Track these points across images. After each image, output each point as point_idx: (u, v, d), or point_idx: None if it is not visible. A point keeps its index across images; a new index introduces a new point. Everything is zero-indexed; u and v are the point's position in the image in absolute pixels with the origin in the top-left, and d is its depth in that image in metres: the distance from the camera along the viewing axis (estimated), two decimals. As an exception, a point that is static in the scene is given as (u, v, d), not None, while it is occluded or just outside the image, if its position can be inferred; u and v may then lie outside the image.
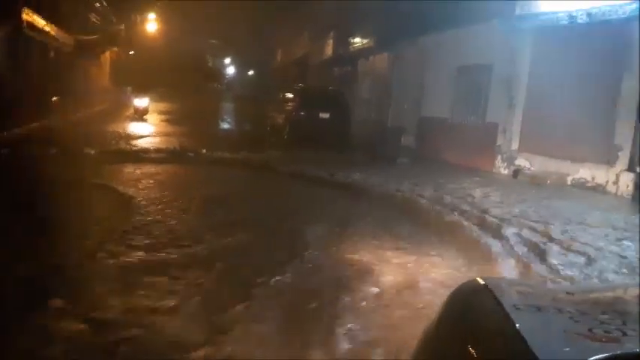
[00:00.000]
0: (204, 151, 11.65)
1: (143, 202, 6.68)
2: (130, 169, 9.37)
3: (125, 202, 6.62)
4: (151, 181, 8.34)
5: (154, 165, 10.00)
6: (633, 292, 1.64)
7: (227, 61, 69.08)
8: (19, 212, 5.57)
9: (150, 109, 21.46)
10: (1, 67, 14.85)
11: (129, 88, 26.44)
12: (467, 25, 11.54)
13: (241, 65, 68.08)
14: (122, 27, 32.13)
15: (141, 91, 22.76)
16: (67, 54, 23.18)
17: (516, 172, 9.53)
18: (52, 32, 19.90)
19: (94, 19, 26.91)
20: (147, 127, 17.27)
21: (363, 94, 18.78)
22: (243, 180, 9.38)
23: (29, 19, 16.70)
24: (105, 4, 27.38)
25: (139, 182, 8.16)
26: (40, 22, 17.97)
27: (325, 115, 15.55)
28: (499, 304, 1.27)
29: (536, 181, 8.85)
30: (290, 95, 18.91)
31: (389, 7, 15.58)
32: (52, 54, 20.68)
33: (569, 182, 8.67)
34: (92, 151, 10.62)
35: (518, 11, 10.04)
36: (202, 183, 8.69)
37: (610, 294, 1.56)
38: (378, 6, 16.67)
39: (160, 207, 6.53)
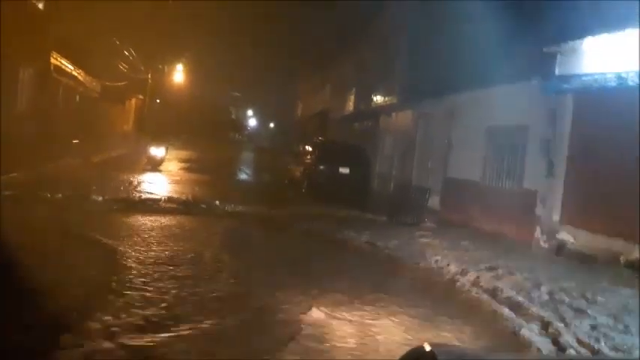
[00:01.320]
0: (217, 203, 10.78)
1: (135, 264, 5.72)
2: (135, 220, 8.50)
3: (116, 264, 5.66)
4: (153, 235, 7.42)
5: (161, 216, 9.12)
6: None
7: (249, 112, 70.01)
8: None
9: (170, 156, 20.83)
10: (25, 106, 14.44)
11: (148, 136, 24.41)
12: (499, 83, 10.79)
13: (262, 117, 68.99)
14: (149, 76, 32.44)
15: (163, 138, 21.58)
16: (93, 98, 23.08)
17: (560, 249, 8.28)
18: (80, 77, 19.79)
19: (123, 67, 27.05)
20: (163, 175, 16.58)
21: (385, 150, 18.00)
22: (256, 238, 8.40)
23: (57, 64, 16.52)
24: (134, 53, 27.63)
25: (139, 236, 7.25)
26: (68, 66, 17.82)
27: (345, 171, 14.75)
28: None
29: (584, 260, 7.65)
30: (309, 148, 18.27)
31: (414, 64, 15.01)
32: (77, 98, 20.52)
33: (621, 262, 7.46)
34: (99, 198, 9.82)
35: (558, 70, 9.21)
36: (210, 240, 7.71)
37: None
38: (403, 63, 16.15)
39: (153, 272, 5.55)
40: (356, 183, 14.73)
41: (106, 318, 3.98)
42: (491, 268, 6.54)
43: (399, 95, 16.09)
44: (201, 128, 43.52)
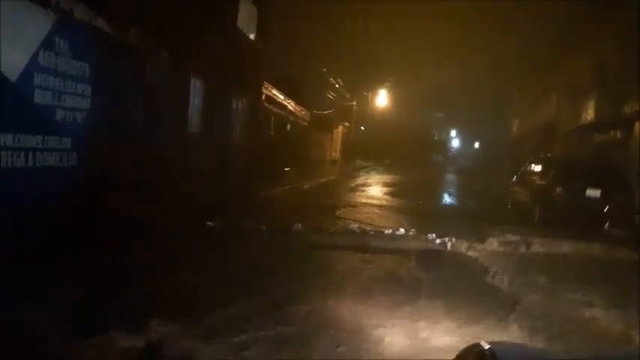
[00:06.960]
0: (433, 236, 8.57)
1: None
2: (332, 260, 6.88)
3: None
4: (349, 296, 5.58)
5: (363, 255, 7.34)
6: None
7: (452, 133, 66.71)
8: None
9: (374, 181, 19.69)
10: (239, 136, 14.60)
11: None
12: None
13: (466, 137, 64.90)
14: (354, 103, 32.39)
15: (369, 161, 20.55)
16: (303, 127, 23.44)
17: None
18: (290, 106, 20.05)
19: (330, 96, 27.29)
20: (367, 199, 15.15)
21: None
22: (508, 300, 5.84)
23: (268, 93, 16.71)
24: (340, 81, 27.70)
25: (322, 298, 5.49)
26: (279, 96, 18.03)
27: (595, 193, 11.11)
28: None
29: None
30: (537, 167, 14.74)
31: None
32: (288, 126, 20.83)
33: None
34: (300, 230, 8.60)
35: None
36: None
37: None
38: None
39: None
40: (611, 210, 10.92)
41: None
42: None
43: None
44: (403, 151, 42.32)
